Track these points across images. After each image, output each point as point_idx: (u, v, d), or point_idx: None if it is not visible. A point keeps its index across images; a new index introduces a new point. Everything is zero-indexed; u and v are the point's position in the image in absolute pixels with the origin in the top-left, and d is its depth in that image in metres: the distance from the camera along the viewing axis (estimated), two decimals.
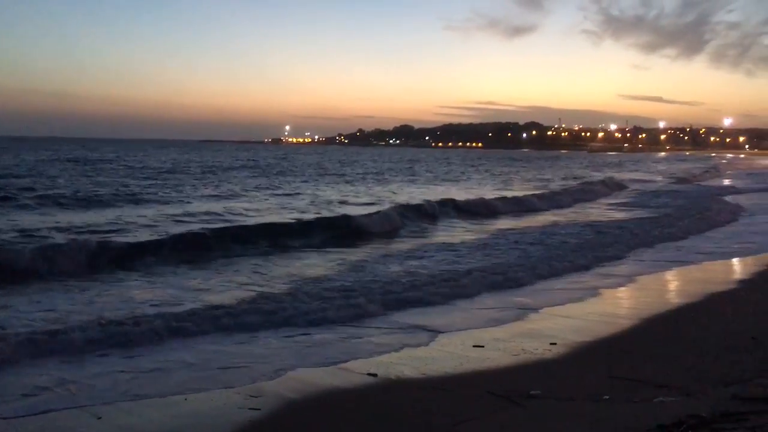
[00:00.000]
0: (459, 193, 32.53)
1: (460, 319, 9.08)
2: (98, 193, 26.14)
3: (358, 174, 51.31)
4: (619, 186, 38.81)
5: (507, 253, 14.33)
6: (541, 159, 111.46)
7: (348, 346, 7.74)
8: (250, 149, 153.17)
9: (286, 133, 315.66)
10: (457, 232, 18.61)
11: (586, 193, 32.93)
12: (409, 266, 12.69)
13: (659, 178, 50.27)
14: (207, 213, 20.30)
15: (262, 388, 6.31)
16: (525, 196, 29.56)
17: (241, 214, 20.44)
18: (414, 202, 24.27)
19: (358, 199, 28.24)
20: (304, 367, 6.97)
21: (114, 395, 6.06)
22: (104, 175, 39.60)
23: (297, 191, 31.82)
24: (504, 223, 20.91)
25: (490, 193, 33.31)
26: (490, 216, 23.08)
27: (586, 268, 12.76)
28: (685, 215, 21.84)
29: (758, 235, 17.62)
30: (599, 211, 24.96)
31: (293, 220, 18.50)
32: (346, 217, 18.64)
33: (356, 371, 6.86)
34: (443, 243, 16.10)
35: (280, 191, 31.68)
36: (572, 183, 41.14)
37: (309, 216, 19.84)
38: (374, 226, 18.16)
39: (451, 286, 10.65)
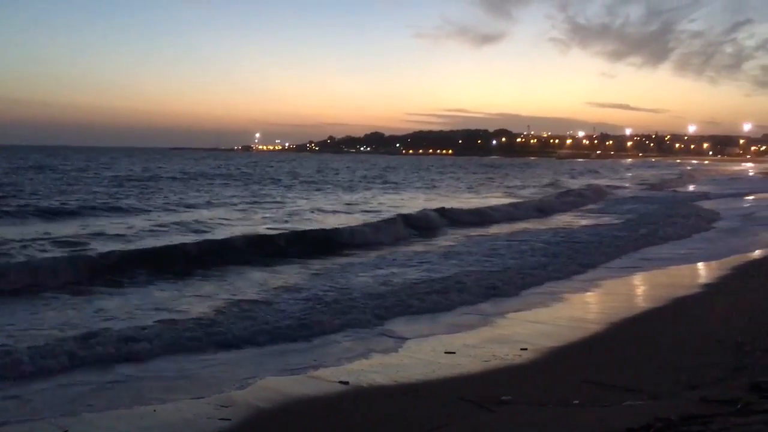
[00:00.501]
0: (452, 201, 32.59)
1: (430, 326, 9.10)
2: (67, 203, 25.50)
3: (343, 181, 51.46)
4: (601, 193, 39.15)
5: (484, 260, 14.41)
6: (514, 166, 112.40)
7: (318, 355, 7.70)
8: (220, 157, 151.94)
9: (256, 141, 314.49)
10: (450, 240, 18.51)
11: (572, 199, 33.30)
12: (382, 275, 12.66)
13: (632, 185, 50.80)
14: (179, 223, 19.86)
15: (232, 398, 6.23)
16: (514, 203, 29.94)
17: (221, 225, 20.09)
18: (410, 211, 24.00)
19: (353, 208, 28.17)
20: (274, 376, 6.91)
21: (79, 407, 5.94)
22: (75, 183, 38.97)
23: (289, 200, 31.59)
24: (501, 229, 21.21)
25: (479, 200, 33.61)
26: (486, 224, 22.83)
27: (568, 274, 12.88)
28: (664, 221, 22.24)
29: (730, 239, 18.05)
30: (585, 219, 25.08)
31: (286, 231, 17.97)
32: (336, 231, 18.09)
33: (327, 379, 6.82)
34: (421, 251, 16.15)
35: (267, 200, 31.19)
36: (553, 191, 41.63)
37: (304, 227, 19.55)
38: (370, 236, 17.87)
39: (428, 294, 10.66)
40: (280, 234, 17.16)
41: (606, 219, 24.37)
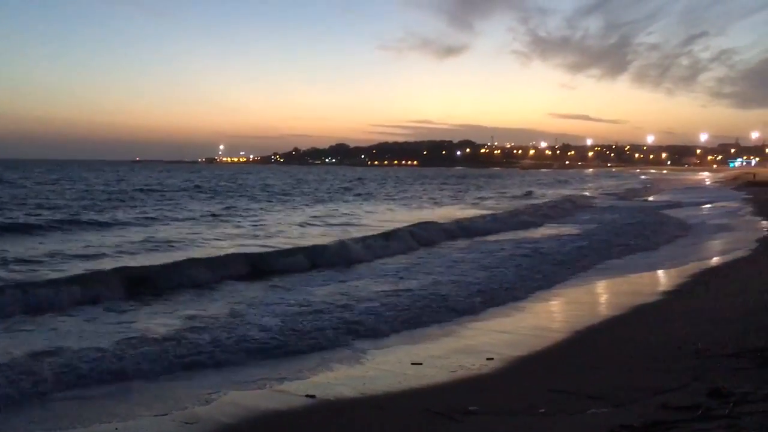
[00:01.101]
0: (440, 213, 32.76)
1: (396, 338, 9.11)
2: (22, 218, 24.76)
3: (327, 193, 51.40)
4: (580, 204, 39.51)
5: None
6: (483, 176, 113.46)
7: (283, 368, 7.63)
8: (185, 169, 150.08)
9: (220, 153, 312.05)
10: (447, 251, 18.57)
11: (554, 210, 33.50)
12: (350, 288, 12.63)
13: (603, 195, 51.26)
14: (148, 240, 19.08)
15: (197, 414, 6.14)
16: (495, 214, 30.11)
17: (200, 244, 19.24)
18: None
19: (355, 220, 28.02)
20: (238, 391, 6.82)
21: (39, 428, 5.79)
22: (36, 197, 38.11)
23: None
24: (499, 237, 21.59)
25: (462, 212, 33.65)
26: (483, 234, 22.79)
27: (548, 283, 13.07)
28: (638, 230, 22.80)
29: (696, 246, 18.49)
30: (567, 228, 25.30)
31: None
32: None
33: (293, 393, 6.76)
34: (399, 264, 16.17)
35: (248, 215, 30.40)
36: (532, 201, 42.13)
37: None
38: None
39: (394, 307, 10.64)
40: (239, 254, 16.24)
41: (591, 227, 24.86)
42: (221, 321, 9.59)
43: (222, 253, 16.27)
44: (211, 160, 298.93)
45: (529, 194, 52.51)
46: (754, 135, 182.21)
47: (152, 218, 26.69)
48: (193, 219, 27.16)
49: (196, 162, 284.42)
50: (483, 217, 28.90)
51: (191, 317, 9.88)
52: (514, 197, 49.22)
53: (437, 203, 43.64)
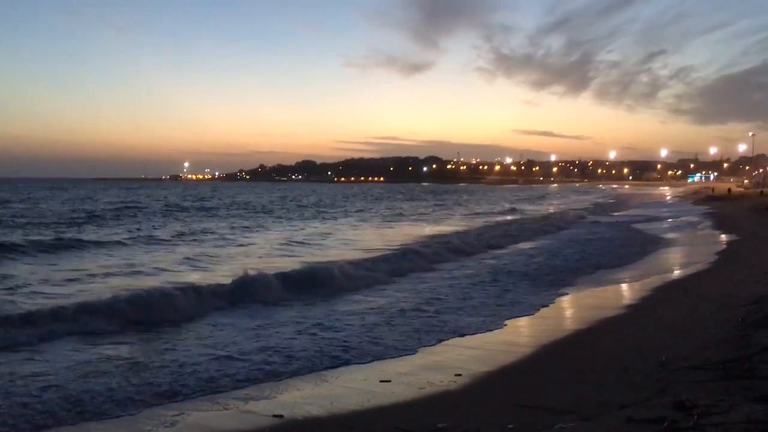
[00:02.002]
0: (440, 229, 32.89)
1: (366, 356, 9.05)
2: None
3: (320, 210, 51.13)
4: (571, 218, 39.66)
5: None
6: (459, 192, 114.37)
7: (250, 389, 7.51)
8: (150, 186, 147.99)
9: (185, 170, 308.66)
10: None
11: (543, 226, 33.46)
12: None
13: (584, 211, 51.14)
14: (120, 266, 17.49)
15: None
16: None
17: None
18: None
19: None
20: (203, 412, 6.70)
21: None
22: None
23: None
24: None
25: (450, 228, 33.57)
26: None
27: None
28: (601, 246, 23.13)
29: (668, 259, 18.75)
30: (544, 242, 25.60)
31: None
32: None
33: (261, 413, 6.66)
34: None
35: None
36: (518, 217, 42.36)
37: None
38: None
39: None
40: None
41: (554, 243, 25.01)
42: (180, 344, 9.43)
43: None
44: (175, 178, 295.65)
45: (513, 210, 52.76)
46: (713, 150, 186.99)
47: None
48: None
49: (160, 180, 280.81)
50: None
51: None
52: (498, 213, 49.47)
53: (441, 219, 43.29)
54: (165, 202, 64.45)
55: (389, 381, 7.72)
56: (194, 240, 25.77)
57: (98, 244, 23.17)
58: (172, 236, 26.94)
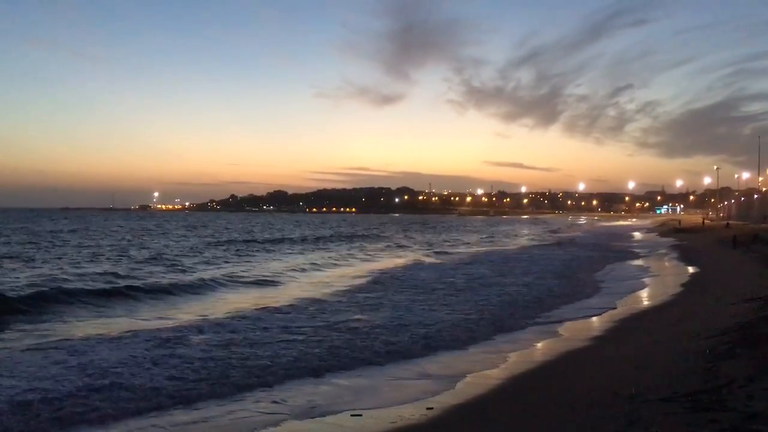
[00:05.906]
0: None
1: (335, 389, 8.95)
2: None
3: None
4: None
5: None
6: (441, 223, 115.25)
7: (220, 424, 7.37)
8: (122, 216, 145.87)
9: (154, 200, 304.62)
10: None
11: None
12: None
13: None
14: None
15: None
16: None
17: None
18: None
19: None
20: None
21: None
22: None
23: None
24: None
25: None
26: None
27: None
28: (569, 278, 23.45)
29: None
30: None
31: None
32: None
33: None
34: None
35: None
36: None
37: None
38: None
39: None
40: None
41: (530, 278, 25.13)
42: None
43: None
44: (144, 208, 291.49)
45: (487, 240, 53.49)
46: (679, 183, 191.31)
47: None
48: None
49: (128, 209, 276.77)
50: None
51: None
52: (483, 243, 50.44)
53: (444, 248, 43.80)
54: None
55: (360, 415, 7.63)
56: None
57: None
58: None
